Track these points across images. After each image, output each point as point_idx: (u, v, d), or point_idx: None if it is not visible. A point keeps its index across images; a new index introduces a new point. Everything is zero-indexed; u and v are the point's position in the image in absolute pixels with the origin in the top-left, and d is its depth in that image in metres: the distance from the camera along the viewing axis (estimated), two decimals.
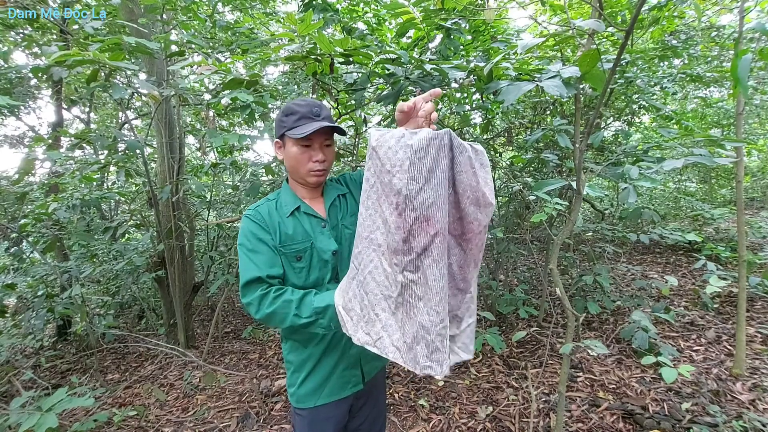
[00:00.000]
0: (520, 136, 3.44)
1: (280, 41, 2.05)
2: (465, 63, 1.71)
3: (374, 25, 3.29)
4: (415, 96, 1.04)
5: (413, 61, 1.71)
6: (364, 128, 3.10)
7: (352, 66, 1.86)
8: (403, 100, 2.42)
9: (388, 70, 1.79)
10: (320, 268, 1.14)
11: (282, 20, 3.99)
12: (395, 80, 1.80)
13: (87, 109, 5.16)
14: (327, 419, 1.18)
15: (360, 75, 1.98)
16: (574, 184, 1.51)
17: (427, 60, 1.78)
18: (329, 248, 1.15)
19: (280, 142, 1.17)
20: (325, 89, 2.16)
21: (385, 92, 1.94)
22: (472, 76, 1.66)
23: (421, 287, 0.84)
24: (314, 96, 2.52)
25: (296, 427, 1.23)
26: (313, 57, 1.67)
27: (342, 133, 1.15)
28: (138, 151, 2.57)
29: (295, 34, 1.60)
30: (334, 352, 1.17)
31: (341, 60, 1.71)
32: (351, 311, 0.92)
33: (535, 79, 1.39)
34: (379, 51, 1.73)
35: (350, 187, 1.28)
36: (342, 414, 1.21)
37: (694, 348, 2.78)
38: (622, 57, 1.28)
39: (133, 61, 2.33)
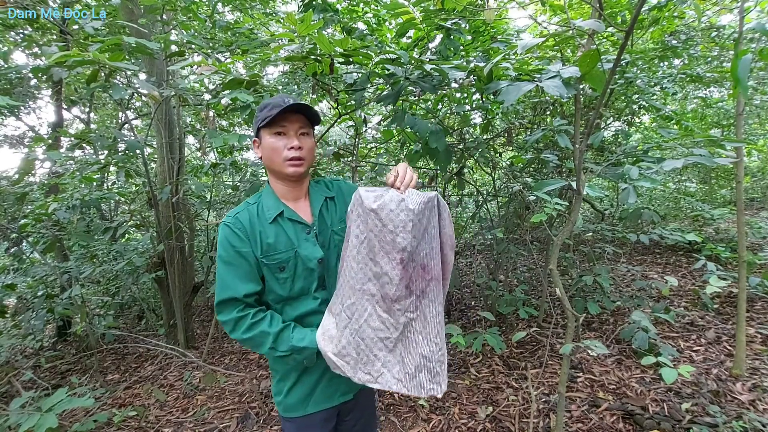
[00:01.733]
0: (520, 136, 3.44)
1: (280, 41, 2.05)
2: (465, 63, 1.71)
3: (374, 26, 3.29)
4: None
5: (413, 62, 1.71)
6: (363, 128, 3.10)
7: (352, 66, 1.86)
8: (404, 101, 2.42)
9: (388, 70, 1.79)
10: (305, 277, 1.10)
11: (282, 20, 3.99)
12: (395, 80, 1.80)
13: (87, 109, 5.16)
14: (316, 424, 1.16)
15: (360, 75, 1.98)
16: (574, 184, 1.51)
17: (427, 60, 1.78)
18: (315, 256, 1.09)
19: (257, 140, 1.12)
20: (325, 89, 2.16)
21: (385, 92, 1.94)
22: (472, 77, 1.66)
23: (420, 323, 0.99)
24: (314, 96, 2.52)
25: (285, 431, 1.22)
26: (313, 57, 1.67)
27: (316, 120, 1.12)
28: (138, 151, 2.57)
29: (295, 34, 1.60)
30: (321, 361, 1.11)
31: (341, 60, 1.71)
32: (346, 356, 0.99)
33: (535, 79, 1.39)
34: (379, 51, 1.73)
35: (343, 191, 1.24)
36: (331, 417, 1.19)
37: (694, 348, 2.78)
38: (622, 57, 1.28)
39: (133, 61, 2.33)
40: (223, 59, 2.94)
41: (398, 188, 0.99)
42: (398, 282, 0.94)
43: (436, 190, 3.44)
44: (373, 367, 0.97)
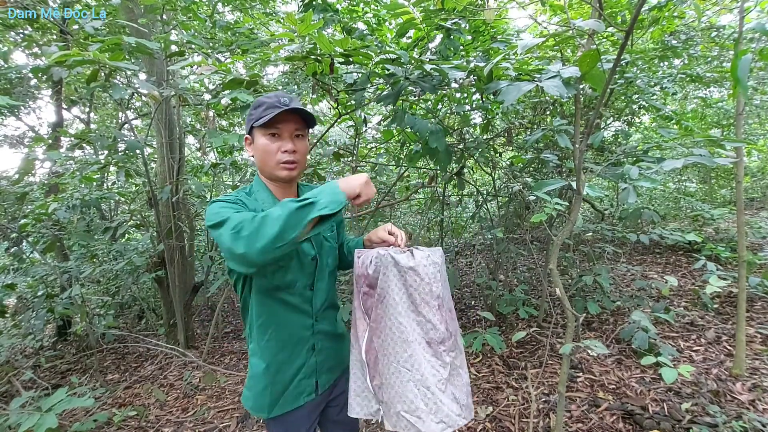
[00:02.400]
0: (520, 136, 3.45)
1: (280, 41, 2.05)
2: (465, 63, 1.71)
3: (374, 26, 3.29)
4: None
5: (413, 62, 1.71)
6: (363, 128, 3.10)
7: (352, 66, 1.86)
8: (404, 101, 2.42)
9: (388, 70, 1.79)
10: (297, 270, 1.10)
11: (282, 20, 3.99)
12: (395, 80, 1.81)
13: (87, 109, 5.17)
14: (295, 421, 1.17)
15: (360, 75, 1.98)
16: (574, 184, 1.51)
17: (427, 60, 1.78)
18: (309, 253, 1.13)
19: (249, 137, 1.11)
20: (325, 89, 2.16)
21: (385, 92, 1.94)
22: (472, 77, 1.66)
23: (459, 358, 1.11)
24: (314, 96, 2.52)
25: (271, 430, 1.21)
26: (313, 57, 1.67)
27: (312, 122, 1.11)
28: (138, 151, 2.57)
29: (295, 34, 1.60)
30: (297, 360, 1.14)
31: (341, 60, 1.71)
32: (416, 411, 1.02)
33: (535, 79, 1.39)
34: (379, 51, 1.74)
35: None
36: (308, 413, 1.19)
37: (694, 348, 2.78)
38: (622, 57, 1.28)
39: (133, 61, 2.33)
40: (223, 59, 2.94)
41: (399, 245, 1.12)
42: (440, 326, 1.05)
43: (436, 189, 3.44)
44: (442, 413, 1.02)
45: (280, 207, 0.88)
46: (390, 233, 1.16)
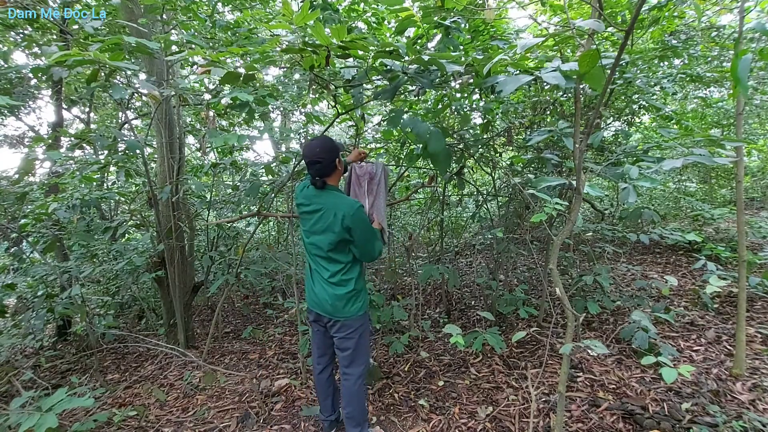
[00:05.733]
0: (520, 136, 3.44)
1: (277, 34, 2.05)
2: (463, 60, 1.70)
3: (374, 25, 3.29)
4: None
5: (410, 53, 1.70)
6: (363, 126, 3.10)
7: (351, 60, 1.86)
8: (403, 100, 2.40)
9: (386, 66, 1.78)
10: None
11: (281, 20, 3.96)
12: (393, 75, 1.80)
13: (87, 109, 5.16)
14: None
15: (358, 71, 1.98)
16: (574, 183, 1.51)
17: (425, 51, 1.77)
18: None
19: (340, 159, 1.89)
20: (322, 85, 2.16)
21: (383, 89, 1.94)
22: (471, 74, 1.66)
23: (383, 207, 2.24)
24: (314, 96, 2.52)
25: (365, 326, 1.97)
26: (310, 49, 1.65)
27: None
28: (138, 151, 2.57)
29: (293, 26, 1.60)
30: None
31: (339, 54, 1.70)
32: (382, 220, 2.19)
33: (534, 73, 1.39)
34: (376, 44, 1.73)
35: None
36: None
37: (694, 348, 2.78)
38: (621, 57, 1.28)
39: (133, 61, 2.33)
40: (222, 59, 2.93)
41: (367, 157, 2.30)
42: (387, 194, 2.22)
43: (436, 189, 3.44)
44: (385, 222, 2.22)
45: (381, 245, 1.98)
46: (361, 153, 2.22)
